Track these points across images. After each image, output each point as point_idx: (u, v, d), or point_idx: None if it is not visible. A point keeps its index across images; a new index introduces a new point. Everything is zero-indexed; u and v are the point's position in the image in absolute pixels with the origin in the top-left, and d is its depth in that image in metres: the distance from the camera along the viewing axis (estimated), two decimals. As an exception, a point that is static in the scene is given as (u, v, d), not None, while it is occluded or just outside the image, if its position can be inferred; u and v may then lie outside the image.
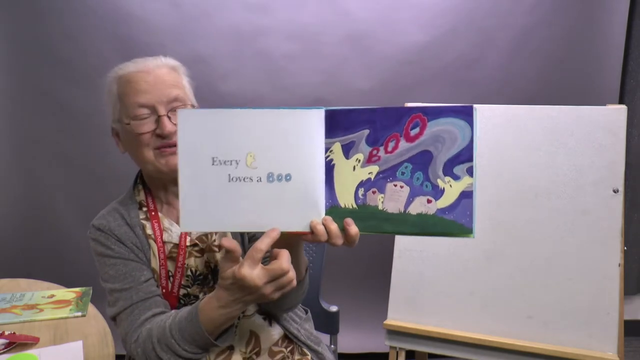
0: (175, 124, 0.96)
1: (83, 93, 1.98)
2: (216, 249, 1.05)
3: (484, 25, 2.01)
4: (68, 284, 1.56)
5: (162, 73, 0.99)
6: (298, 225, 0.76)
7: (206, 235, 1.05)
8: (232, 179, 0.76)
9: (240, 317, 1.03)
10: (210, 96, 2.02)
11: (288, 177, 0.75)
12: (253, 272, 0.77)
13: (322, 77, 2.06)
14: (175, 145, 0.96)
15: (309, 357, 1.13)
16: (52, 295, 1.45)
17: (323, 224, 0.75)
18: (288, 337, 1.10)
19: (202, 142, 0.76)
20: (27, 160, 2.06)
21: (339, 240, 0.77)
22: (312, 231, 0.76)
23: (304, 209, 0.75)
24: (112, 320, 1.02)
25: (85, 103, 1.98)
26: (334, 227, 0.75)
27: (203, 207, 0.77)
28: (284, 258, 0.78)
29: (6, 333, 1.21)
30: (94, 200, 2.02)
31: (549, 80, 2.06)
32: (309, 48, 2.03)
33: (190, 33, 1.98)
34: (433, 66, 2.05)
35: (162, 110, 0.97)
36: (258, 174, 0.76)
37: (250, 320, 1.05)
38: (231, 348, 1.02)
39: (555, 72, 2.06)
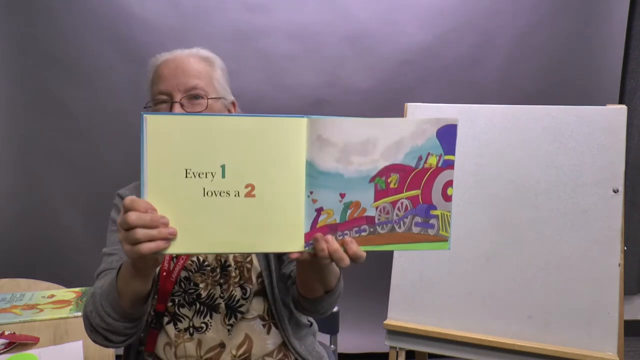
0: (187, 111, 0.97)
1: (83, 93, 1.98)
2: None
3: (484, 25, 2.01)
4: (68, 284, 1.56)
5: (188, 62, 1.01)
6: (288, 246, 0.68)
7: None
8: (207, 193, 0.66)
9: (238, 317, 1.00)
10: (210, 96, 2.02)
11: (265, 192, 0.67)
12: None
13: (322, 77, 2.06)
14: None
15: None
16: (52, 295, 1.45)
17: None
18: (287, 348, 1.05)
19: (173, 151, 0.65)
20: (27, 160, 2.06)
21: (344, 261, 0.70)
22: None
23: (284, 228, 0.68)
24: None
25: (85, 103, 1.98)
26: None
27: (176, 226, 0.66)
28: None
29: (6, 333, 1.21)
30: (93, 200, 2.05)
31: (549, 80, 2.06)
32: (309, 48, 2.03)
33: (190, 33, 1.98)
34: (433, 66, 2.05)
35: (176, 97, 0.97)
36: (235, 187, 0.66)
37: (249, 324, 1.02)
38: (222, 346, 0.99)
39: (555, 72, 2.06)
